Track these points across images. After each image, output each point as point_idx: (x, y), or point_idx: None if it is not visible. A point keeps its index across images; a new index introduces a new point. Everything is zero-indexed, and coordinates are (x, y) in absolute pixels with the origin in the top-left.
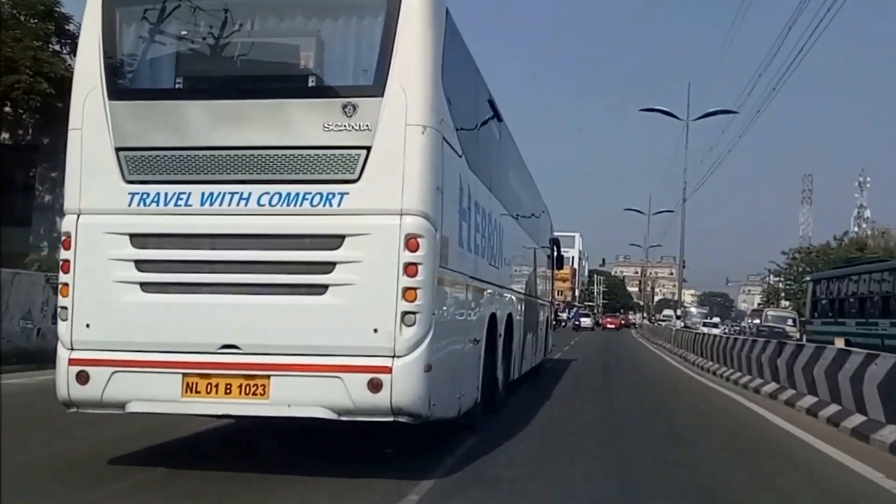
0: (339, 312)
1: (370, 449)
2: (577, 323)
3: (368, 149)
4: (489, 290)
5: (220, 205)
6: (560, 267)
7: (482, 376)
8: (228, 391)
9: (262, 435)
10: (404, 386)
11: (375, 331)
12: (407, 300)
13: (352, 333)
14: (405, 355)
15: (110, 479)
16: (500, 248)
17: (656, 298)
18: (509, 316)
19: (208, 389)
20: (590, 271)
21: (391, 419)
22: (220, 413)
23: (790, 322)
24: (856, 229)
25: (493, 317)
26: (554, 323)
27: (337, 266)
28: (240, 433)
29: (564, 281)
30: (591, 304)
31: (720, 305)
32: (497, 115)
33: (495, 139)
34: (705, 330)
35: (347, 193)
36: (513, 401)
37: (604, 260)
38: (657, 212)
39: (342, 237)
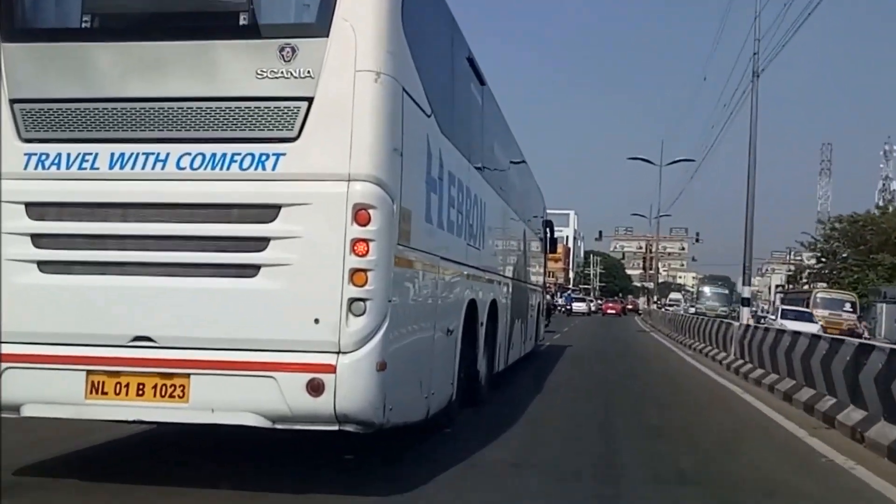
0: (273, 299)
1: (327, 454)
2: (568, 308)
3: (310, 100)
4: (467, 274)
5: (133, 168)
6: (553, 250)
7: (459, 370)
8: (141, 392)
9: (199, 438)
10: (351, 388)
11: (316, 321)
12: (355, 284)
13: (288, 324)
14: (353, 351)
15: (16, 492)
16: (483, 227)
17: (659, 280)
18: (493, 302)
19: (117, 390)
20: (585, 252)
21: (336, 427)
22: (132, 419)
23: (848, 307)
24: (880, 202)
25: (472, 304)
26: (567, 309)
27: (271, 243)
28: (171, 437)
29: (557, 262)
30: (586, 286)
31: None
32: (479, 77)
33: (476, 104)
34: (795, 327)
35: (284, 154)
36: (498, 394)
37: (601, 233)
38: (672, 161)
39: (277, 207)
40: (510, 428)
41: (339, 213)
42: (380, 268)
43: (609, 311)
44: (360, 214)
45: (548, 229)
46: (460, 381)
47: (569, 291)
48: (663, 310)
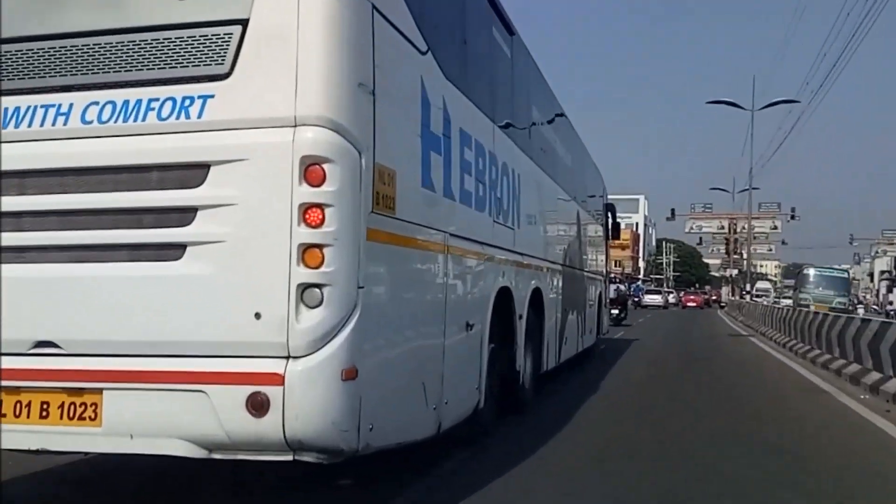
0: (202, 288)
1: (315, 477)
2: (635, 299)
3: (244, 23)
4: (496, 258)
5: (30, 125)
6: (616, 236)
7: (489, 372)
8: (45, 414)
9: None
10: (306, 404)
11: (258, 316)
12: (307, 265)
13: (221, 321)
14: (307, 354)
15: None
16: (517, 203)
17: (728, 272)
18: (537, 292)
19: (17, 411)
20: (658, 240)
21: (290, 457)
22: (35, 447)
23: None
24: None
25: (505, 293)
26: (635, 302)
27: (198, 214)
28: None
29: (624, 249)
30: (659, 276)
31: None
32: (505, 24)
33: (502, 55)
34: None
35: (212, 97)
36: (546, 399)
37: (673, 212)
38: (768, 104)
39: (205, 167)
40: (553, 446)
41: (283, 170)
42: (341, 243)
43: (689, 304)
44: (312, 171)
45: (609, 213)
46: (492, 386)
47: (638, 282)
48: (751, 301)
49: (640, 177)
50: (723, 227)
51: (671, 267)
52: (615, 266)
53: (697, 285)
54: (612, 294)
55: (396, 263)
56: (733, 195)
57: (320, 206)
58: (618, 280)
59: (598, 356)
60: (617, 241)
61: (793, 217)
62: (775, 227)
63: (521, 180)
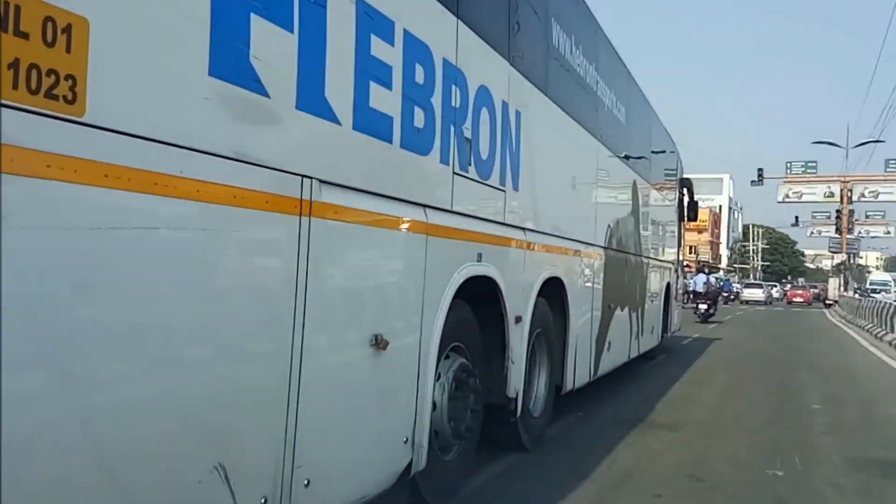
0: None
1: None
2: (725, 293)
3: None
4: (460, 229)
5: None
6: (693, 217)
7: (434, 413)
8: None
9: None
10: None
11: None
12: None
13: None
14: None
15: None
16: (511, 149)
17: (836, 259)
18: (555, 284)
19: None
20: (744, 226)
21: None
22: None
23: None
24: None
25: (485, 285)
26: (725, 297)
27: None
28: None
29: (701, 232)
30: (744, 266)
31: None
32: None
33: None
34: None
35: None
36: (568, 430)
37: (760, 173)
38: None
39: None
40: None
41: None
42: None
43: (796, 299)
44: None
45: (685, 190)
46: (437, 437)
47: (719, 272)
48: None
49: (726, 154)
50: (831, 195)
51: (759, 255)
52: (689, 252)
53: (790, 276)
54: (699, 287)
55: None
56: (847, 150)
57: None
58: (706, 270)
59: (665, 360)
60: (693, 224)
61: None
62: None
63: (524, 118)
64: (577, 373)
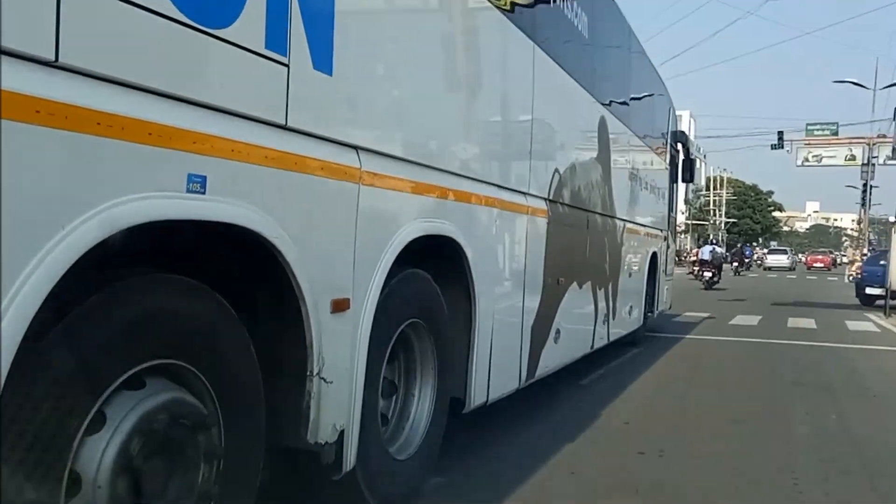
0: None
1: None
2: (746, 260)
3: None
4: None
5: None
6: (690, 178)
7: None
8: None
9: None
10: None
11: None
12: None
13: None
14: None
15: None
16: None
17: (807, 223)
18: (448, 247)
19: None
20: (707, 178)
21: None
22: None
23: None
24: None
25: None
26: (739, 261)
27: None
28: None
29: None
30: (702, 223)
31: None
32: None
33: None
34: None
35: None
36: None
37: (780, 136)
38: None
39: None
40: None
41: None
42: None
43: (816, 265)
44: None
45: (679, 144)
46: None
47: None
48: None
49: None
50: (852, 158)
51: (723, 209)
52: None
53: (761, 240)
54: (705, 255)
55: None
56: (874, 90)
57: None
58: (712, 241)
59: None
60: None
61: None
62: None
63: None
64: (496, 379)
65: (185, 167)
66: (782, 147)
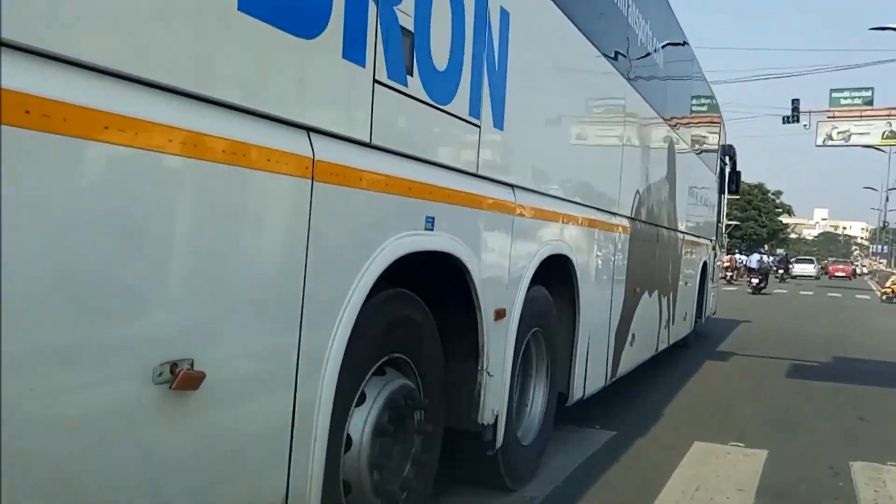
0: None
1: None
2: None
3: None
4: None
5: None
6: (736, 189)
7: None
8: None
9: None
10: None
11: None
12: None
13: None
14: None
15: None
16: (495, 65)
17: (815, 230)
18: (561, 264)
19: None
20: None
21: None
22: None
23: None
24: None
25: (456, 267)
26: (784, 268)
27: None
28: None
29: None
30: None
31: None
32: None
33: None
34: None
35: None
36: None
37: (796, 105)
38: None
39: None
40: None
41: None
42: None
43: (838, 274)
44: None
45: (727, 157)
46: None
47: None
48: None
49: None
50: (892, 134)
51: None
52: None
53: (767, 246)
54: (753, 264)
55: None
56: None
57: None
58: (760, 251)
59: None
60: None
61: None
62: None
63: (514, 21)
64: (590, 378)
65: (423, 211)
66: (798, 121)
